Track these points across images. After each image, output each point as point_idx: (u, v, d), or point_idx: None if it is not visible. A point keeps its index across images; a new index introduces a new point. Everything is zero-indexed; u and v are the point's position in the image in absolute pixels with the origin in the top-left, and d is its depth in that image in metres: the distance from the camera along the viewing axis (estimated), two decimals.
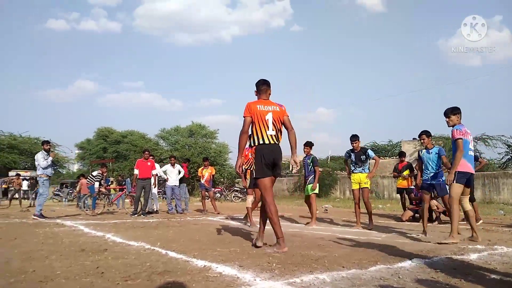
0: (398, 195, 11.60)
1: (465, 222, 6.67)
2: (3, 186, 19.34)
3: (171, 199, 11.88)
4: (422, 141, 6.48)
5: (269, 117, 4.40)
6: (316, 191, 7.76)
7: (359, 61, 78.27)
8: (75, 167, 44.93)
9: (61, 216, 9.86)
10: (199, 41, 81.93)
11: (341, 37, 79.44)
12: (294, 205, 16.45)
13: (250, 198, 7.59)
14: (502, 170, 19.70)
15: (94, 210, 11.26)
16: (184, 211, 11.44)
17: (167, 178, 11.45)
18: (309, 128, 72.97)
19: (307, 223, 7.74)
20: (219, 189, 22.33)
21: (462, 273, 3.20)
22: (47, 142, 9.91)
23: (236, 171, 4.56)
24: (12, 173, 24.62)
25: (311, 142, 7.95)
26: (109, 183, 14.26)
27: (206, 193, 11.81)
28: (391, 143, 33.60)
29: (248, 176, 7.16)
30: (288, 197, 23.13)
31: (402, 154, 10.71)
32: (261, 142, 4.38)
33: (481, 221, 7.96)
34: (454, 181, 5.12)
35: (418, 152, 6.71)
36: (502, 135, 21.94)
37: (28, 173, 25.94)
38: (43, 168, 9.20)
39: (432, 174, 6.20)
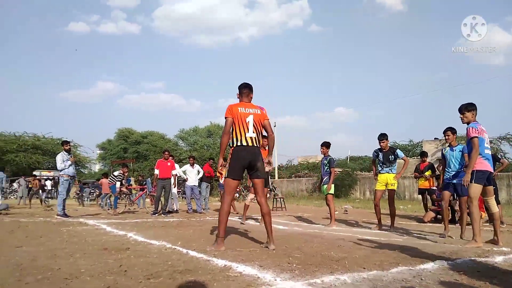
0: (420, 196, 11.44)
1: (488, 224, 6.52)
2: (29, 185, 19.84)
3: (191, 198, 11.98)
4: (447, 137, 6.27)
5: (250, 119, 4.51)
6: (332, 191, 7.72)
7: (379, 60, 77.31)
8: (96, 167, 45.79)
9: (83, 215, 10.07)
10: (217, 42, 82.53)
11: (360, 36, 78.65)
12: (312, 206, 16.38)
13: (251, 196, 7.76)
14: None
15: (115, 209, 11.45)
16: (204, 211, 11.52)
17: (187, 178, 11.56)
18: (329, 128, 72.55)
19: (329, 223, 7.69)
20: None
21: (487, 276, 3.12)
22: (67, 142, 10.02)
23: (218, 171, 4.79)
24: (36, 173, 25.35)
25: (328, 142, 7.89)
26: (130, 183, 14.48)
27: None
28: (411, 142, 33.13)
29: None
30: (307, 197, 23.05)
31: (423, 154, 10.54)
32: (239, 144, 4.48)
33: (505, 225, 7.75)
34: (472, 181, 4.94)
35: (442, 150, 6.52)
36: None
37: (51, 173, 26.66)
38: (60, 170, 9.41)
39: (454, 172, 6.02)
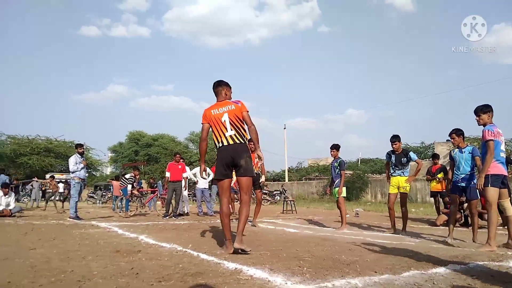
0: (432, 199, 11.32)
1: (502, 227, 6.43)
2: (43, 188, 20.07)
3: (201, 201, 12.02)
4: (452, 140, 6.04)
5: (225, 118, 4.47)
6: (344, 194, 7.67)
7: (389, 61, 76.78)
8: (108, 170, 46.22)
9: (95, 218, 10.17)
10: (227, 44, 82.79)
11: (370, 37, 78.22)
12: (323, 208, 16.32)
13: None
14: None
15: (127, 212, 11.54)
16: (215, 213, 11.54)
17: (197, 181, 11.59)
18: (339, 130, 72.22)
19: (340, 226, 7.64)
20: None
21: (501, 281, 3.08)
22: (81, 145, 10.15)
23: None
24: (48, 176, 25.65)
25: (337, 144, 7.86)
26: (141, 186, 14.58)
27: (235, 195, 11.87)
28: (423, 144, 32.79)
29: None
30: (318, 200, 22.96)
31: (435, 156, 10.45)
32: (221, 145, 4.49)
33: None
34: (489, 185, 4.83)
35: (450, 152, 6.28)
36: None
37: (63, 176, 26.97)
38: (72, 172, 9.53)
39: (463, 175, 5.77)
